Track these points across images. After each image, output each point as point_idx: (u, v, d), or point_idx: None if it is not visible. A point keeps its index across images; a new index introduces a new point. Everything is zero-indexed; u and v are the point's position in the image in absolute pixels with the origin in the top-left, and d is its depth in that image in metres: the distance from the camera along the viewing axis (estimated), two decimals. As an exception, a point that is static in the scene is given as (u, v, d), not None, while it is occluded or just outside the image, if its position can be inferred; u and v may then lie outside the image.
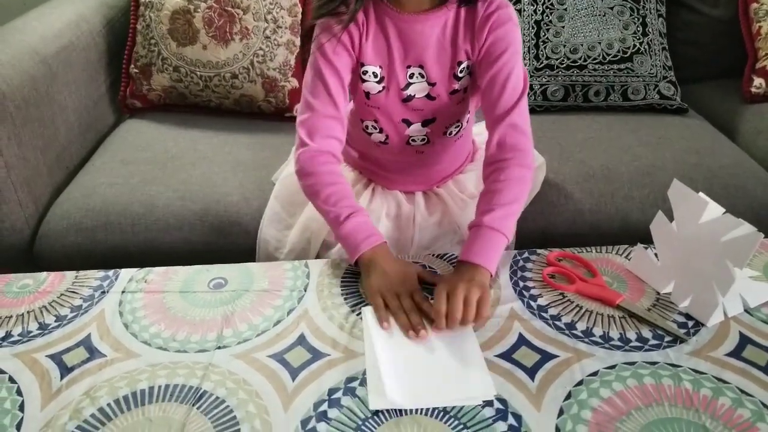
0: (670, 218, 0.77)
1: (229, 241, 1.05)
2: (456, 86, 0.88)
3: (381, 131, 0.93)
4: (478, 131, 1.09)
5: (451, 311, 0.70)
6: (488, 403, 0.62)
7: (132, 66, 1.36)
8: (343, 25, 0.83)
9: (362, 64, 0.87)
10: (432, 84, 0.87)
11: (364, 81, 0.88)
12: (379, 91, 0.88)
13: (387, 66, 0.87)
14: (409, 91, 0.88)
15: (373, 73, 0.87)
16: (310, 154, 0.84)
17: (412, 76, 0.87)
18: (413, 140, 0.93)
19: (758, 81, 1.39)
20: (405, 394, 0.64)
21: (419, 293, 0.76)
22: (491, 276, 0.77)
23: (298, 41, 1.32)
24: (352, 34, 0.84)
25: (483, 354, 0.68)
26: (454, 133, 0.94)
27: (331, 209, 0.82)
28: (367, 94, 0.89)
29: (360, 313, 0.75)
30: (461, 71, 0.87)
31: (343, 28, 0.83)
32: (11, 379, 0.67)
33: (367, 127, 0.93)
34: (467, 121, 0.95)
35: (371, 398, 0.63)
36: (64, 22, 1.27)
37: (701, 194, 0.74)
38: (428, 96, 0.88)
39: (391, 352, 0.69)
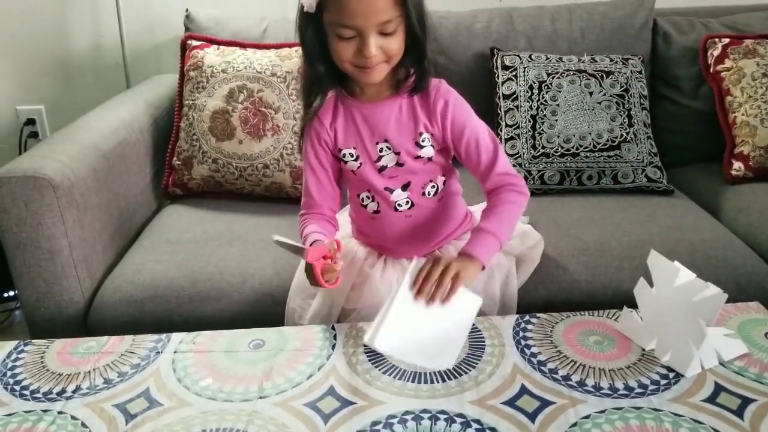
0: (651, 284, 0.89)
1: (262, 311, 1.17)
2: (419, 153, 1.04)
3: (373, 200, 1.09)
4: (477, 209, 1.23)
5: (429, 276, 0.92)
6: (494, 443, 0.72)
7: (175, 158, 1.54)
8: (311, 116, 1.04)
9: (340, 150, 1.06)
10: (398, 153, 1.05)
11: (346, 162, 1.07)
12: (358, 167, 1.06)
13: (359, 146, 1.05)
14: (382, 162, 1.05)
15: (350, 153, 1.06)
16: (304, 215, 1.10)
17: (381, 150, 1.05)
18: (399, 205, 1.08)
19: (737, 165, 1.53)
20: (392, 345, 0.86)
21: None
22: (483, 268, 0.98)
23: (322, 135, 1.50)
24: (327, 132, 1.05)
25: (488, 400, 0.79)
26: (431, 193, 1.09)
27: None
28: (354, 171, 1.07)
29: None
30: (423, 140, 1.04)
31: (311, 120, 1.05)
32: (83, 425, 0.78)
33: (362, 199, 1.10)
34: (443, 183, 1.10)
35: (369, 334, 0.87)
36: (119, 121, 1.47)
37: (675, 262, 0.86)
38: (398, 164, 1.05)
39: (404, 307, 0.90)
